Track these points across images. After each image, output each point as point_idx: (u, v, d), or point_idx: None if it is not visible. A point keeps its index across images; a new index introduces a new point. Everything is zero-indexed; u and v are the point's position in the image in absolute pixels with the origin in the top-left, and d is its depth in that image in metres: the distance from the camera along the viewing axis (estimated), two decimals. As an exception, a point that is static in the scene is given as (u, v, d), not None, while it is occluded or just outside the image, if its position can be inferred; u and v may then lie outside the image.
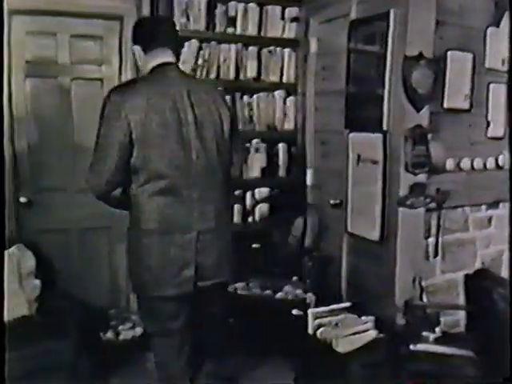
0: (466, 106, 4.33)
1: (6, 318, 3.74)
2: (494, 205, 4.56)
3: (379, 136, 4.14)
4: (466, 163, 4.35)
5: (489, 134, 4.52)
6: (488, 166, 4.45)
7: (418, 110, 3.99)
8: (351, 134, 4.46)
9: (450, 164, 4.24)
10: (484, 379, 3.41)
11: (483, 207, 4.60)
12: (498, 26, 4.39)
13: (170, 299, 3.12)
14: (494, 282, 3.85)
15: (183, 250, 3.08)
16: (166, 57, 3.20)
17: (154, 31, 3.25)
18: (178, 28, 3.52)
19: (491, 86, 4.46)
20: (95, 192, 3.12)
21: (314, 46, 5.14)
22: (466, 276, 4.23)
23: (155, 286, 3.09)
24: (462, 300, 4.44)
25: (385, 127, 4.11)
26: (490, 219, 4.64)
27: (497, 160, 4.51)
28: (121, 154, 2.95)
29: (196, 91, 3.15)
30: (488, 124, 4.51)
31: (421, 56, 3.93)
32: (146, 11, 4.59)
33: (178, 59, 3.34)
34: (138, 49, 3.25)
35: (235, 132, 3.34)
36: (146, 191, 3.02)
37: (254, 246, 5.09)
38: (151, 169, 2.98)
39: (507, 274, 3.81)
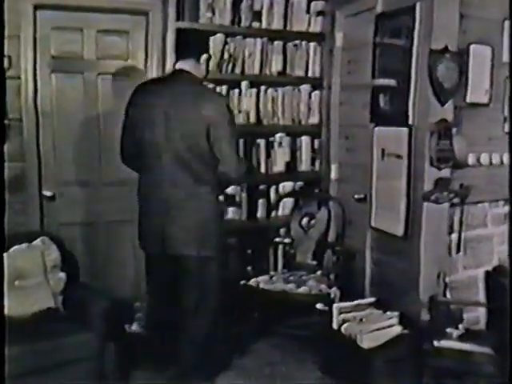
0: (486, 100, 4.28)
1: (31, 310, 3.84)
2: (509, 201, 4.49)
3: (404, 130, 4.12)
4: (484, 158, 4.31)
5: (506, 129, 4.45)
6: (505, 162, 4.38)
7: (443, 104, 3.96)
8: (376, 129, 4.45)
9: (471, 159, 4.20)
10: (501, 378, 3.38)
11: (500, 203, 4.54)
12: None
13: (149, 256, 4.02)
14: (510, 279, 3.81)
15: (153, 221, 3.81)
16: (184, 65, 3.79)
17: (183, 44, 3.94)
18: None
19: (508, 80, 4.36)
20: (121, 159, 3.98)
21: (339, 40, 5.11)
22: (487, 273, 4.18)
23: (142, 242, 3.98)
24: (481, 296, 4.41)
25: (410, 121, 4.09)
26: (506, 215, 4.57)
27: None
28: (127, 138, 3.82)
29: (185, 95, 3.68)
30: (505, 119, 4.44)
31: (446, 49, 3.90)
32: (171, 6, 4.59)
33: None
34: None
35: (222, 133, 3.67)
36: (138, 168, 3.89)
37: (277, 239, 5.09)
38: (136, 153, 3.79)
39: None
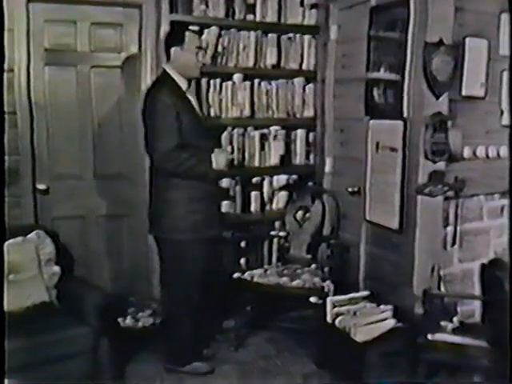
0: (482, 93, 4.28)
1: (24, 304, 3.83)
2: (506, 194, 4.48)
3: (399, 123, 4.11)
4: (481, 151, 4.30)
5: (503, 122, 4.44)
6: (501, 155, 4.38)
7: (438, 97, 3.95)
8: (371, 122, 4.44)
9: (467, 152, 4.20)
10: (496, 371, 3.39)
11: (496, 196, 4.54)
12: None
13: None
14: (507, 272, 3.81)
15: None
16: (165, 65, 4.11)
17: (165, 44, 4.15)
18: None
19: (504, 73, 4.37)
20: None
21: (334, 33, 5.07)
22: (482, 266, 4.19)
23: None
24: (476, 290, 4.41)
25: (405, 114, 4.08)
26: (502, 208, 4.58)
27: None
28: None
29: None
30: (502, 112, 4.44)
31: (441, 42, 3.89)
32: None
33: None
34: None
35: (148, 125, 3.96)
36: None
37: (271, 233, 5.10)
38: None
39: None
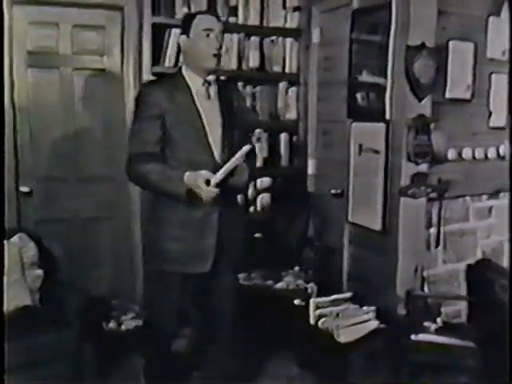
0: (468, 96, 4.33)
1: (7, 308, 3.79)
2: (494, 195, 4.55)
3: (381, 126, 4.14)
4: (467, 153, 4.35)
5: (491, 124, 4.51)
6: (489, 156, 4.45)
7: (420, 100, 3.98)
8: (353, 124, 4.46)
9: (451, 154, 4.23)
10: (482, 371, 3.41)
11: (484, 197, 4.60)
12: (498, 15, 4.38)
13: None
14: (495, 272, 3.84)
15: None
16: None
17: None
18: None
19: (493, 76, 4.46)
20: None
21: (316, 36, 5.10)
22: (468, 266, 4.22)
23: None
24: (463, 290, 4.44)
25: (387, 117, 4.10)
26: (490, 209, 4.64)
27: (498, 150, 4.51)
28: None
29: None
30: (490, 114, 4.50)
31: (423, 46, 3.92)
32: (147, 1, 4.57)
33: None
34: None
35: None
36: None
37: (256, 235, 5.09)
38: None
39: (508, 264, 3.79)
